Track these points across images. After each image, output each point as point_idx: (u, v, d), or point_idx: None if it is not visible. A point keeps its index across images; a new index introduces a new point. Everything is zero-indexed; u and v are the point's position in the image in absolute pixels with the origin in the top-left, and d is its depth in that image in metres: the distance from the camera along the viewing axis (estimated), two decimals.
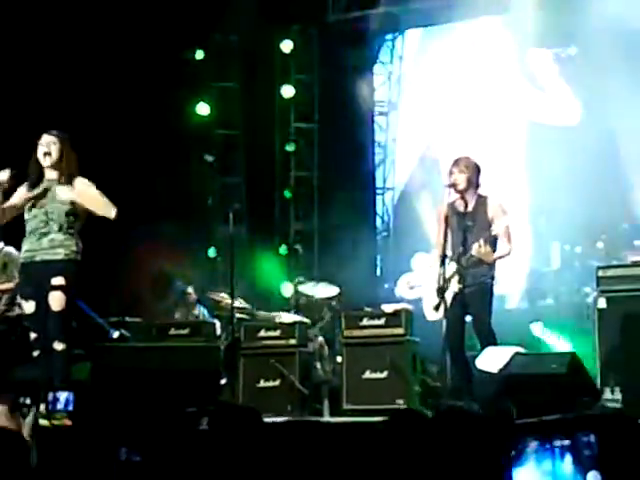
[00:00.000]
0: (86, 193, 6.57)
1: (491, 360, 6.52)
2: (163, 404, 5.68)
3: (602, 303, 8.13)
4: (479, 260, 7.04)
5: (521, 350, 6.67)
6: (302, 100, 11.90)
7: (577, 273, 10.48)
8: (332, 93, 11.53)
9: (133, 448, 3.79)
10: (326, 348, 9.12)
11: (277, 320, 9.15)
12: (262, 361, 8.52)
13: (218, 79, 11.75)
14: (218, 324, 9.11)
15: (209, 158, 10.35)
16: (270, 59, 11.67)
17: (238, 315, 9.07)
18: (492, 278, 7.22)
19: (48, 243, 6.51)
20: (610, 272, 8.39)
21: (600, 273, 8.38)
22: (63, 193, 6.52)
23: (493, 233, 7.03)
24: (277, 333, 8.69)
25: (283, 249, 11.45)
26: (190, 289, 9.93)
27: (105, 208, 6.52)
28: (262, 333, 8.73)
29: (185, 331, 8.87)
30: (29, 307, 6.57)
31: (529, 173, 10.97)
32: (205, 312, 9.92)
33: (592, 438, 2.69)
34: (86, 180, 6.63)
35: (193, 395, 6.10)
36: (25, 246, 6.65)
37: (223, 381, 8.24)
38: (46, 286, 6.44)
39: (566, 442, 2.80)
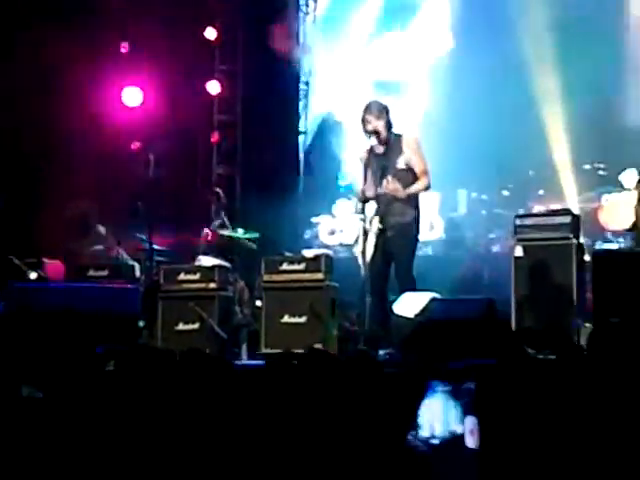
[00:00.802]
0: None
1: (408, 305, 6.60)
2: (76, 344, 5.65)
3: (519, 251, 8.27)
4: (393, 197, 7.08)
5: (438, 296, 6.75)
6: (225, 42, 11.75)
7: (483, 220, 10.64)
8: (257, 35, 11.39)
9: (36, 385, 3.76)
10: (246, 292, 9.13)
11: (197, 263, 9.12)
12: (181, 304, 8.49)
13: None
14: (137, 266, 9.05)
15: None
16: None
17: (158, 258, 9.02)
18: (415, 221, 7.25)
19: None
20: (527, 221, 8.54)
21: (517, 222, 8.52)
22: None
23: (398, 166, 7.07)
24: (197, 276, 8.66)
25: (206, 191, 11.36)
26: (102, 230, 9.81)
27: None
28: (182, 276, 8.68)
29: (104, 272, 8.81)
30: None
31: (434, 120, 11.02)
32: (124, 254, 9.83)
33: (471, 386, 2.84)
34: None
35: (111, 336, 6.07)
36: None
37: (141, 324, 8.21)
38: None
39: (449, 388, 2.94)
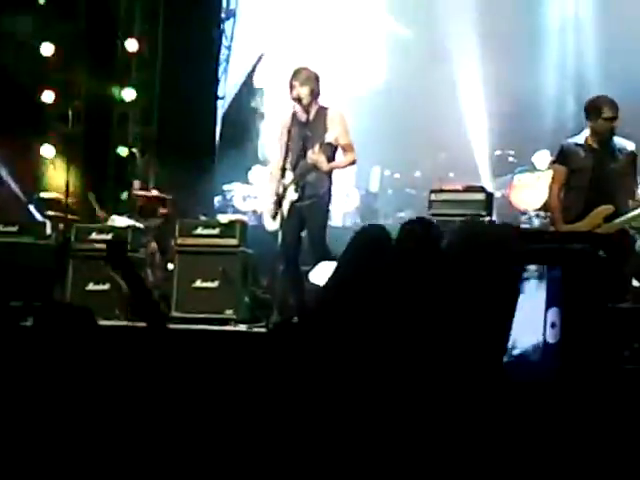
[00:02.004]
0: None
1: (323, 275, 6.63)
2: None
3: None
4: (314, 167, 7.10)
5: None
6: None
7: (393, 198, 10.73)
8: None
9: None
10: (158, 255, 9.06)
11: (110, 223, 9.02)
12: (92, 264, 8.39)
13: None
14: (49, 224, 8.91)
15: None
16: None
17: (70, 216, 8.90)
18: (329, 192, 7.30)
19: None
20: (441, 196, 8.64)
21: (432, 197, 8.62)
22: None
23: (327, 140, 7.09)
24: (109, 237, 8.56)
25: (122, 152, 11.22)
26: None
27: None
28: (94, 235, 8.58)
29: (14, 228, 8.65)
30: None
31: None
32: (35, 211, 9.68)
33: (557, 273, 2.71)
34: None
35: (22, 292, 5.99)
36: None
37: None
38: None
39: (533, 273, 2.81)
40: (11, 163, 9.98)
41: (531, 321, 2.78)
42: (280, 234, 7.12)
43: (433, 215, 8.36)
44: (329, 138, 7.08)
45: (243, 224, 8.57)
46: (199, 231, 8.41)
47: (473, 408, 2.67)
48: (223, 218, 8.69)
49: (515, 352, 2.90)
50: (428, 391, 2.64)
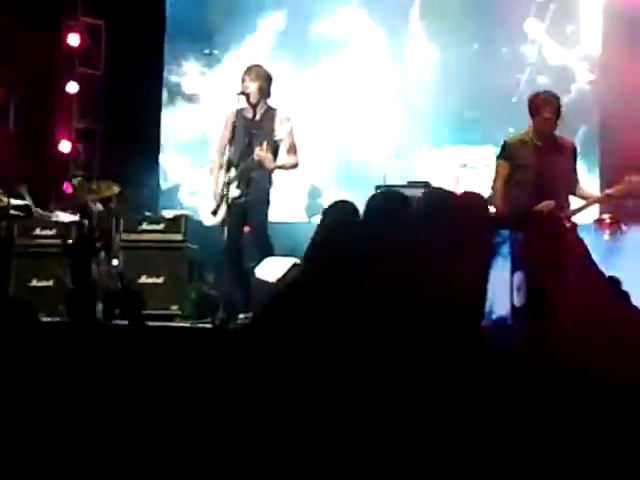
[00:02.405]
0: None
1: (270, 270, 6.64)
2: None
3: None
4: (259, 164, 7.13)
5: (299, 262, 6.81)
6: None
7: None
8: None
9: None
10: (102, 251, 8.99)
11: (54, 219, 8.94)
12: (35, 260, 8.33)
13: None
14: None
15: None
16: None
17: (12, 212, 8.80)
18: (269, 188, 7.33)
19: None
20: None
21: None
22: None
23: (276, 138, 7.13)
24: (53, 232, 8.50)
25: (65, 146, 11.10)
26: None
27: None
28: (37, 231, 8.51)
29: None
30: None
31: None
32: None
33: (520, 236, 2.72)
34: None
35: None
36: None
37: None
38: None
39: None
40: None
41: (501, 285, 2.82)
42: (224, 230, 7.12)
43: None
44: (278, 136, 7.12)
45: (187, 219, 8.56)
46: (144, 227, 8.40)
47: (453, 376, 2.69)
48: (167, 213, 8.66)
49: (491, 316, 2.94)
50: (410, 364, 2.66)
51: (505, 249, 2.82)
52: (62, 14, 11.24)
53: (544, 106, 6.77)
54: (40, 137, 10.93)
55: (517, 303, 2.69)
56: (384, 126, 10.37)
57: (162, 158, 11.07)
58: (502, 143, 7.11)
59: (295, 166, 7.43)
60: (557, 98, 6.88)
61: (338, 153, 10.39)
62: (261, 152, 7.09)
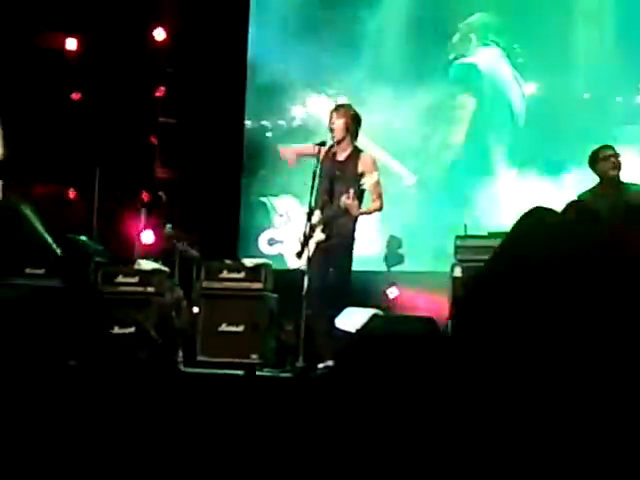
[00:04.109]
0: None
1: (350, 320, 6.63)
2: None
3: (458, 272, 8.37)
4: (345, 211, 7.13)
5: (379, 312, 6.79)
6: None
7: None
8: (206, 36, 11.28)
9: None
10: (183, 299, 9.07)
11: (136, 267, 9.04)
12: (118, 307, 8.41)
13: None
14: (75, 267, 8.93)
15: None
16: None
17: (97, 259, 8.93)
18: (353, 235, 7.33)
19: None
20: (467, 242, 8.64)
21: (458, 242, 8.62)
22: None
23: (362, 187, 7.13)
24: (135, 280, 8.59)
25: (146, 195, 11.25)
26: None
27: None
28: (120, 278, 8.61)
29: (40, 271, 8.67)
30: None
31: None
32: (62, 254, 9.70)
33: None
34: None
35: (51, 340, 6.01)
36: None
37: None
38: None
39: None
40: (39, 204, 10.05)
41: None
42: (306, 277, 7.12)
43: (459, 261, 8.35)
44: (366, 185, 7.12)
45: (268, 268, 8.58)
46: (224, 274, 8.44)
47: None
48: (248, 262, 8.70)
49: None
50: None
51: None
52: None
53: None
54: (122, 186, 11.10)
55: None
56: (464, 178, 10.33)
57: (243, 206, 11.15)
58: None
59: (379, 210, 7.42)
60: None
61: (418, 203, 10.35)
62: (347, 200, 7.09)
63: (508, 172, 10.36)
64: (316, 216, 7.25)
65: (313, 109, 10.67)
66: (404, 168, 10.45)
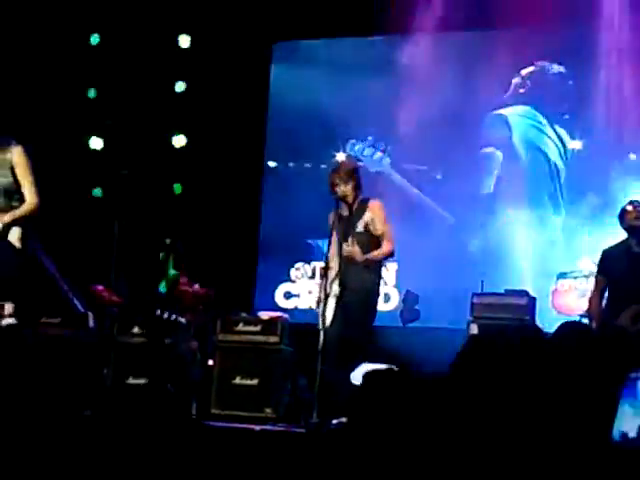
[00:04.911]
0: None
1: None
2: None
3: (474, 329, 8.35)
4: (349, 260, 7.07)
5: (395, 368, 6.74)
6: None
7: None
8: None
9: None
10: (198, 350, 9.06)
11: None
12: (133, 358, 8.42)
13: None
14: (91, 316, 8.95)
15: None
16: None
17: (113, 309, 8.95)
18: (375, 288, 7.22)
19: None
20: (484, 300, 8.63)
21: (474, 300, 8.60)
22: None
23: (357, 230, 7.07)
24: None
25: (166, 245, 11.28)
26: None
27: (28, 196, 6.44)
28: (135, 329, 8.63)
29: (56, 320, 8.70)
30: None
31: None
32: (78, 303, 9.73)
33: None
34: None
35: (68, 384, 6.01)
36: None
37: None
38: None
39: None
40: (55, 253, 10.08)
41: None
42: (322, 332, 7.09)
43: (475, 318, 8.34)
44: (359, 227, 7.09)
45: (284, 321, 8.57)
46: (240, 327, 8.44)
47: None
48: (264, 315, 8.70)
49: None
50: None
51: None
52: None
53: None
54: (141, 236, 11.15)
55: None
56: (479, 232, 10.31)
57: (259, 258, 11.17)
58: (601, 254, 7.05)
59: (390, 254, 7.31)
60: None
61: (434, 259, 10.33)
62: (347, 247, 7.06)
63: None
64: (332, 270, 7.23)
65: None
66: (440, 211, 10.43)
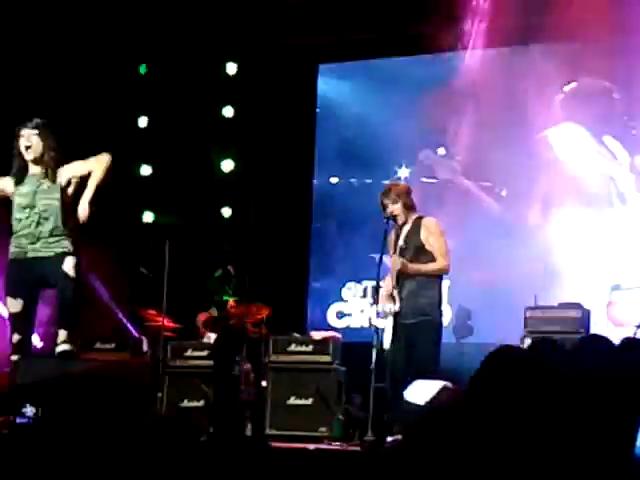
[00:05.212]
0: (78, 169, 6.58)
1: (419, 392, 6.55)
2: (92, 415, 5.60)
3: (527, 343, 8.26)
4: (402, 272, 7.03)
5: (449, 385, 6.70)
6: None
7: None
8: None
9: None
10: (252, 372, 9.08)
11: (205, 340, 9.10)
12: (187, 381, 8.47)
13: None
14: (145, 340, 9.02)
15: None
16: None
17: (166, 333, 9.01)
18: (433, 305, 7.17)
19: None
20: (537, 313, 8.55)
21: (528, 314, 8.53)
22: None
23: (414, 245, 7.04)
24: (204, 353, 8.64)
25: (217, 270, 11.35)
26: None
27: (97, 163, 6.53)
28: (189, 352, 8.67)
29: (111, 346, 8.77)
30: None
31: None
32: (132, 328, 9.83)
33: None
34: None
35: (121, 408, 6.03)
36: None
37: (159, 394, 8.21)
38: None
39: None
40: (108, 279, 10.16)
41: None
42: (374, 350, 7.06)
43: (529, 332, 8.27)
44: (431, 247, 7.05)
45: (336, 340, 8.57)
46: (292, 348, 8.45)
47: None
48: (316, 335, 8.70)
49: None
50: None
51: None
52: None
53: None
54: (192, 260, 11.21)
55: None
56: (534, 246, 10.21)
57: (311, 278, 11.19)
58: None
59: (443, 269, 7.25)
60: None
61: (486, 272, 10.25)
62: (393, 257, 7.05)
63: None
64: (384, 289, 7.19)
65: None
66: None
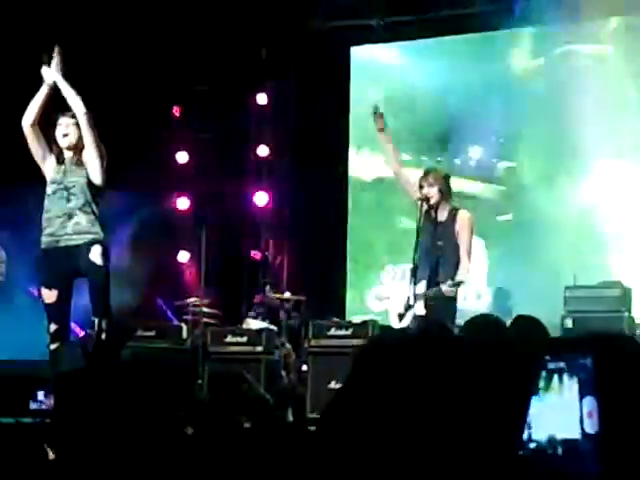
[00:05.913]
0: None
1: None
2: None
3: (569, 323, 8.22)
4: (445, 297, 7.02)
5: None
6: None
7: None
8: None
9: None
10: (292, 357, 9.11)
11: (244, 326, 9.13)
12: (227, 366, 8.49)
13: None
14: (185, 328, 9.07)
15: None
16: None
17: (205, 320, 9.05)
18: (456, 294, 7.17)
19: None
20: (577, 293, 8.49)
21: (567, 294, 8.47)
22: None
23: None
24: (244, 339, 8.67)
25: (255, 254, 11.39)
26: None
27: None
28: (229, 338, 8.70)
29: (152, 333, 8.83)
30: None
31: None
32: (172, 315, 9.89)
33: (588, 361, 2.61)
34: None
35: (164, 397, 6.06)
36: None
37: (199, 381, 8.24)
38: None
39: (561, 364, 2.73)
40: (148, 269, 10.22)
41: (568, 413, 2.71)
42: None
43: (569, 312, 8.22)
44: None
45: (375, 324, 8.56)
46: (332, 332, 8.44)
47: None
48: (356, 318, 8.70)
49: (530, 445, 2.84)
50: None
51: (568, 376, 2.72)
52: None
53: None
54: (231, 245, 11.26)
55: (590, 430, 2.55)
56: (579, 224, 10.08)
57: (349, 263, 11.18)
58: None
59: (467, 271, 7.24)
60: None
61: (525, 254, 10.18)
62: (448, 289, 6.94)
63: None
64: (420, 286, 7.14)
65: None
66: None
